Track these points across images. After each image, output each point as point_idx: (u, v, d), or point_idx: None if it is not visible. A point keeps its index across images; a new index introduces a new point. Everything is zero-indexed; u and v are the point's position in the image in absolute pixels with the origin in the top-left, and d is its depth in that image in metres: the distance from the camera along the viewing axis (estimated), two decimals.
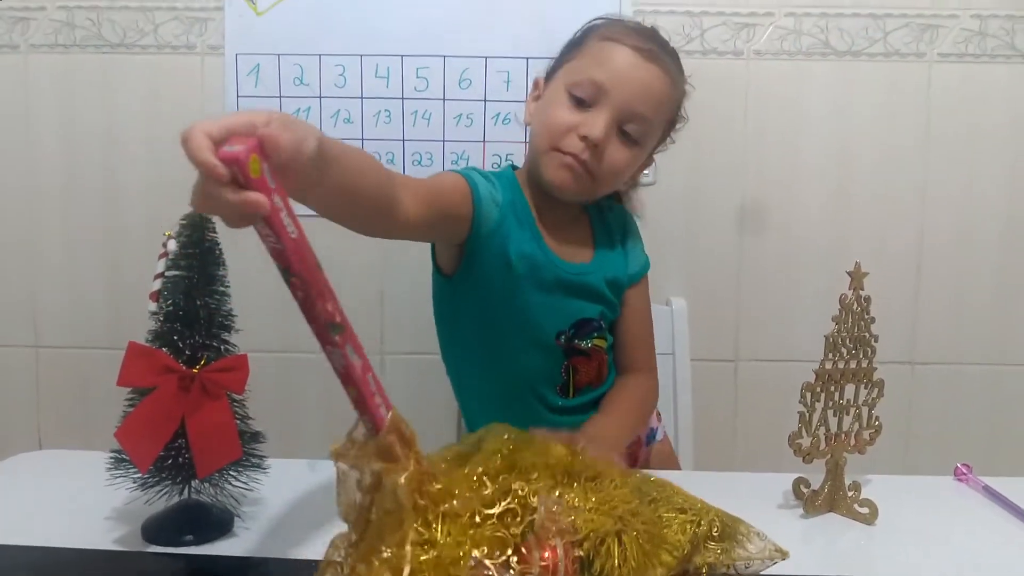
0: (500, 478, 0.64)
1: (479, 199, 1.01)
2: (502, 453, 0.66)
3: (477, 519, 0.61)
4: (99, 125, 1.62)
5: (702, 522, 0.73)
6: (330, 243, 1.57)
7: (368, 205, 0.85)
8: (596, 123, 1.01)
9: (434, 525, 0.59)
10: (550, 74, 1.11)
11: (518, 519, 0.63)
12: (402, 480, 0.58)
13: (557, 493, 0.66)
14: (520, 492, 0.63)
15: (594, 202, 1.16)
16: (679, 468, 1.30)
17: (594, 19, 1.10)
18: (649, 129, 1.06)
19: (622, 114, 1.03)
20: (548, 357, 1.11)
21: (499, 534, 0.61)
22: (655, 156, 1.17)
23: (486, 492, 0.62)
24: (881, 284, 1.59)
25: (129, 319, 1.61)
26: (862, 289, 0.93)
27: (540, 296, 1.08)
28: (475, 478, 0.63)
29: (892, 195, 1.62)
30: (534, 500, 0.63)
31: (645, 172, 1.19)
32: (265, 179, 0.55)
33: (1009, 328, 1.65)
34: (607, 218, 1.19)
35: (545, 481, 0.66)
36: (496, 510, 0.62)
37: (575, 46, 1.08)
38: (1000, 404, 1.66)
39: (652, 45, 1.04)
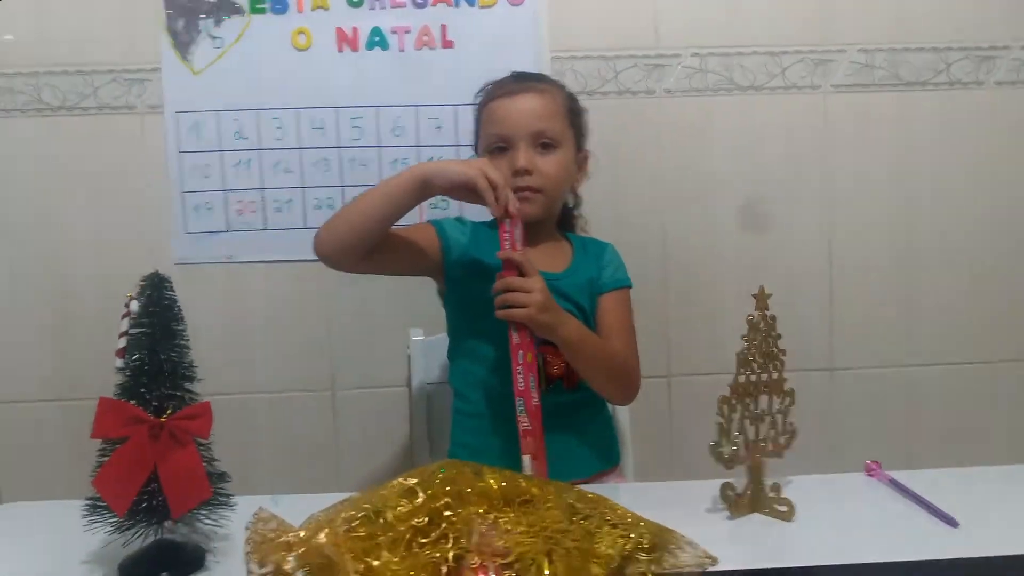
0: (434, 504, 0.70)
1: (443, 230, 1.31)
2: (442, 480, 0.72)
3: (414, 546, 0.67)
4: (41, 185, 1.65)
5: (632, 535, 0.80)
6: (275, 285, 1.64)
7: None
8: (518, 156, 1.27)
9: (373, 560, 0.65)
10: (476, 147, 1.36)
11: (449, 544, 0.69)
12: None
13: (492, 518, 0.72)
14: (453, 518, 0.69)
15: (577, 236, 1.40)
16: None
17: (481, 88, 1.36)
18: (557, 132, 1.29)
19: (530, 137, 1.27)
20: None
21: (434, 559, 0.67)
22: (588, 150, 1.37)
23: (420, 521, 0.68)
24: (798, 299, 1.74)
25: (78, 373, 1.63)
26: (767, 309, 1.03)
27: None
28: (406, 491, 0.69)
29: (799, 217, 1.76)
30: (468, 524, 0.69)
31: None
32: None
33: (915, 332, 1.79)
34: (588, 246, 1.38)
35: (479, 506, 0.72)
36: (431, 538, 0.68)
37: (477, 121, 1.36)
38: (910, 401, 1.81)
39: (515, 84, 1.32)
